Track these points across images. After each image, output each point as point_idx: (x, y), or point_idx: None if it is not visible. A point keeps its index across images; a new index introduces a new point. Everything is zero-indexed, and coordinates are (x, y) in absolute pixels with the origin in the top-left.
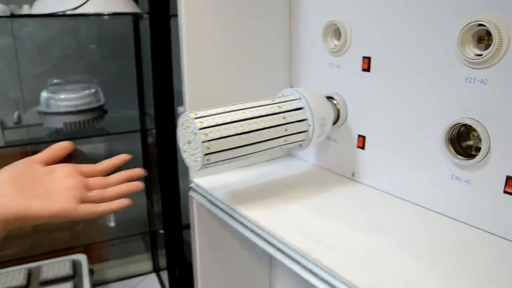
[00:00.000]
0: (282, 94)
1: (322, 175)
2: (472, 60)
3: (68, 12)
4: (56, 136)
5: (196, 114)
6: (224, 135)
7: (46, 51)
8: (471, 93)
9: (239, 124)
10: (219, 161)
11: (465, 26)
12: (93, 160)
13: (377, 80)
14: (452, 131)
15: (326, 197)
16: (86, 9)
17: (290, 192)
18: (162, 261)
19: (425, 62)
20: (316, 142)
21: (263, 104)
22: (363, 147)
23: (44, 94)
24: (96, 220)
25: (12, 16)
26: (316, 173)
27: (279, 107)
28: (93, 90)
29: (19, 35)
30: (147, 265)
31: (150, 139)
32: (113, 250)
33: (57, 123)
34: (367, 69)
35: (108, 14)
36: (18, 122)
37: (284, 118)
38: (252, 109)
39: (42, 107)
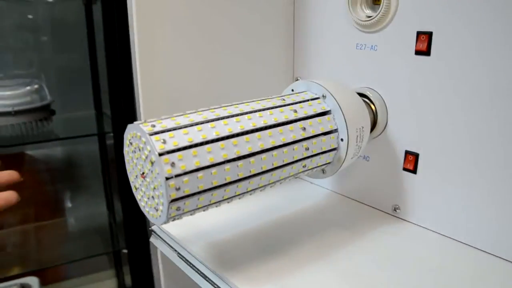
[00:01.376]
0: (292, 91)
1: (348, 210)
2: None
3: None
4: None
5: (153, 126)
6: (206, 164)
7: None
8: None
9: (231, 143)
10: (196, 209)
11: None
12: (47, 165)
13: (441, 68)
14: None
15: (364, 251)
16: None
17: (305, 244)
18: (129, 279)
19: None
20: (348, 165)
21: (269, 106)
22: (414, 170)
23: None
24: (50, 239)
25: None
26: (338, 206)
27: (295, 111)
28: (35, 86)
29: None
30: (111, 283)
31: (110, 142)
32: (71, 268)
33: None
34: (425, 51)
35: None
36: None
37: (304, 129)
38: (252, 115)
39: None
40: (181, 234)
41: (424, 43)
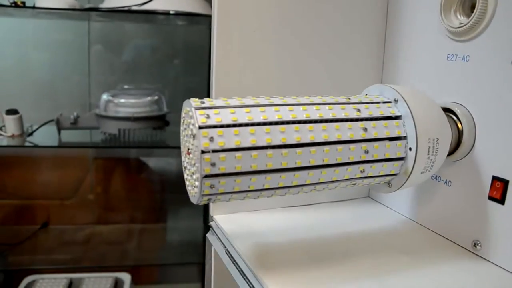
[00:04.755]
0: (366, 94)
1: (418, 238)
2: None
3: (134, 8)
4: (111, 143)
5: (202, 102)
6: (247, 146)
7: (120, 55)
8: None
9: (278, 129)
10: (233, 193)
11: None
12: (160, 175)
13: None
14: None
15: (424, 279)
16: (156, 6)
17: (357, 261)
18: None
19: None
20: (417, 180)
21: (329, 102)
22: (501, 200)
23: (104, 97)
24: (149, 240)
25: (73, 9)
26: (409, 233)
27: (358, 110)
28: (155, 98)
29: (96, 37)
30: None
31: None
32: (161, 273)
33: (113, 128)
34: None
35: (177, 14)
36: (74, 123)
37: (365, 130)
38: (308, 107)
39: (100, 110)
40: (232, 231)
41: None
